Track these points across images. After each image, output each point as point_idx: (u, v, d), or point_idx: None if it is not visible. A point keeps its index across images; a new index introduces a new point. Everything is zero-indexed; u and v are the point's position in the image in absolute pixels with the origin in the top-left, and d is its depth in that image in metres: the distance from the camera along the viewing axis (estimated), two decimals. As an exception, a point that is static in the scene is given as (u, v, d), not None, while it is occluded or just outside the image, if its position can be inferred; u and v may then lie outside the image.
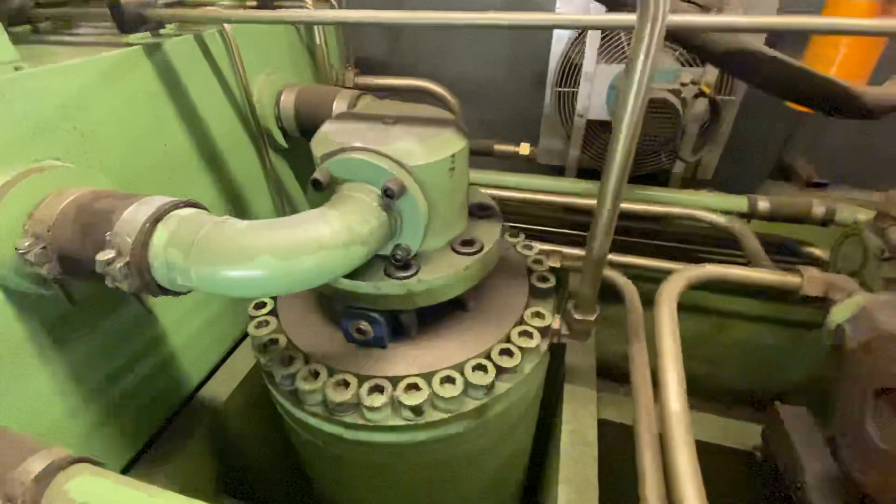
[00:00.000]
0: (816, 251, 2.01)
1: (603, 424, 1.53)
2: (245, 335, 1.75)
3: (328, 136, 1.08)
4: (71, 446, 1.18)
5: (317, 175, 1.01)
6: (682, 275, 1.27)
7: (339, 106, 1.61)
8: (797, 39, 2.15)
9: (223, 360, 1.67)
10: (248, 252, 0.85)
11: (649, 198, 1.93)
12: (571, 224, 2.28)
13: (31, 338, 1.03)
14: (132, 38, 1.28)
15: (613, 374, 3.06)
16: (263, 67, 1.66)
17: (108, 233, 0.87)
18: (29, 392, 1.05)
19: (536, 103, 2.41)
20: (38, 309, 1.04)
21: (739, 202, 1.89)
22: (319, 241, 0.89)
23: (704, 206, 1.87)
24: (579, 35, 1.99)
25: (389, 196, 0.97)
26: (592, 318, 1.32)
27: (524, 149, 2.28)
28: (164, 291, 0.93)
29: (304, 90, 1.67)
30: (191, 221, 0.90)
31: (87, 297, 1.13)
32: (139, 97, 1.22)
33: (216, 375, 1.61)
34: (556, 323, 1.34)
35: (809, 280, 1.22)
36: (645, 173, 2.25)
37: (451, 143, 1.07)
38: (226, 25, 1.45)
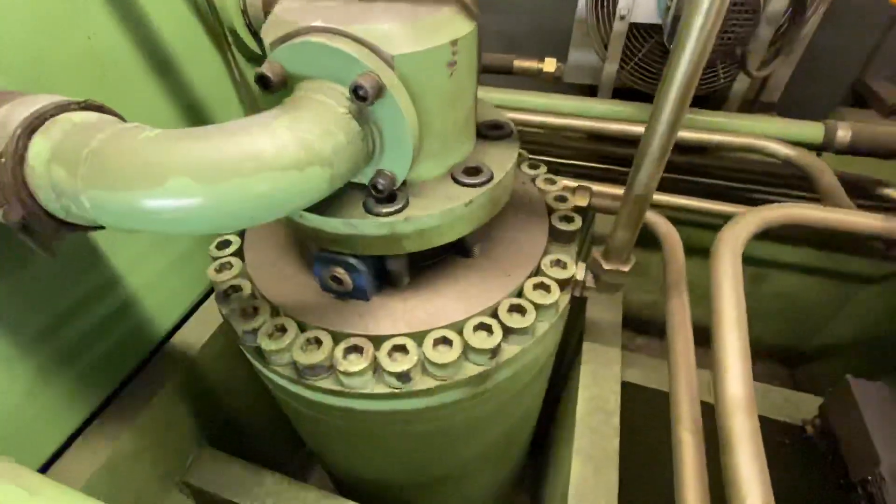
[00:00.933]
0: (897, 193, 1.67)
1: (625, 387, 1.33)
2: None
3: (282, 15, 0.78)
4: (11, 404, 1.03)
5: (264, 69, 0.73)
6: (752, 217, 0.99)
7: (318, -4, 1.27)
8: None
9: (199, 304, 1.49)
10: (157, 171, 0.60)
11: (701, 123, 1.59)
12: (603, 156, 1.95)
13: (-75, 279, 0.83)
14: None
15: (633, 325, 2.87)
16: (224, -57, 1.30)
17: (-33, 139, 0.63)
18: (-63, 344, 0.87)
19: (566, 10, 1.98)
20: (-69, 244, 0.83)
21: (814, 131, 1.53)
22: (259, 158, 0.63)
23: (772, 135, 1.52)
24: None
25: (362, 98, 0.69)
26: (627, 268, 1.07)
27: (549, 65, 1.90)
28: (64, 225, 0.70)
29: (274, -25, 1.32)
30: (83, 129, 0.65)
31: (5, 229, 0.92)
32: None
33: (190, 321, 1.44)
34: (580, 273, 1.10)
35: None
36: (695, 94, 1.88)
37: (452, 25, 0.76)
38: None
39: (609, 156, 1.94)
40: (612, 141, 1.85)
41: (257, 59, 1.51)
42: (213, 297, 1.51)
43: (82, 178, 0.61)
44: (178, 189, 0.60)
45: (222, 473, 1.38)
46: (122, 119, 0.74)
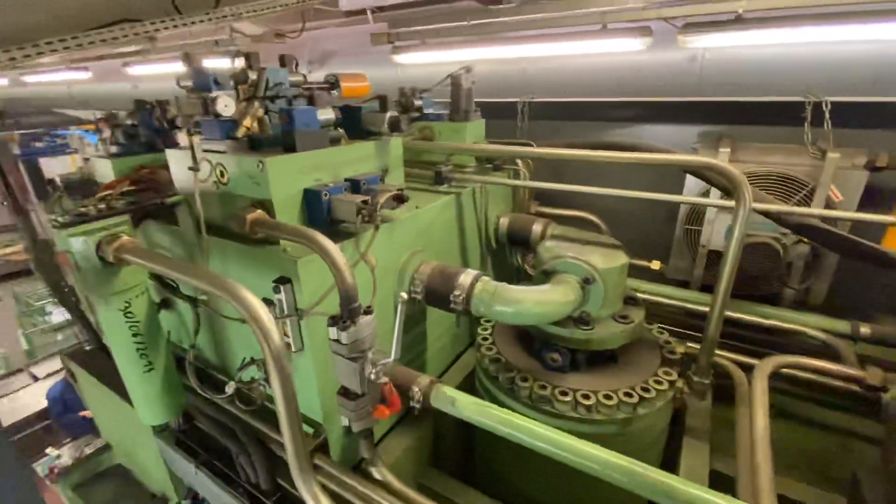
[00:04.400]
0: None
1: (713, 474, 2.03)
2: (457, 356, 2.68)
3: (553, 248, 2.05)
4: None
5: (546, 268, 1.97)
6: (773, 358, 1.89)
7: (536, 228, 2.63)
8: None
9: (446, 371, 2.60)
10: (521, 300, 1.79)
11: (756, 311, 2.52)
12: (691, 326, 2.89)
13: (393, 331, 2.08)
14: (440, 188, 2.49)
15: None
16: (492, 202, 2.80)
17: (456, 282, 1.90)
18: (385, 359, 2.06)
19: (665, 231, 3.21)
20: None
21: (842, 325, 2.37)
22: (553, 299, 1.81)
23: (811, 325, 2.39)
24: (707, 191, 2.81)
25: (587, 283, 1.87)
26: (707, 381, 1.97)
27: (655, 265, 3.02)
28: (469, 315, 1.91)
29: (514, 217, 2.75)
30: (489, 282, 1.90)
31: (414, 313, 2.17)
32: (447, 219, 2.37)
33: (444, 376, 2.53)
34: (680, 382, 2.01)
35: (871, 373, 1.73)
36: (761, 294, 2.82)
37: (621, 258, 1.96)
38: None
39: (696, 327, 2.87)
40: (699, 317, 2.81)
41: (492, 251, 2.88)
42: (450, 369, 2.62)
43: (495, 298, 1.82)
44: (527, 307, 1.78)
45: (443, 483, 2.26)
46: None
